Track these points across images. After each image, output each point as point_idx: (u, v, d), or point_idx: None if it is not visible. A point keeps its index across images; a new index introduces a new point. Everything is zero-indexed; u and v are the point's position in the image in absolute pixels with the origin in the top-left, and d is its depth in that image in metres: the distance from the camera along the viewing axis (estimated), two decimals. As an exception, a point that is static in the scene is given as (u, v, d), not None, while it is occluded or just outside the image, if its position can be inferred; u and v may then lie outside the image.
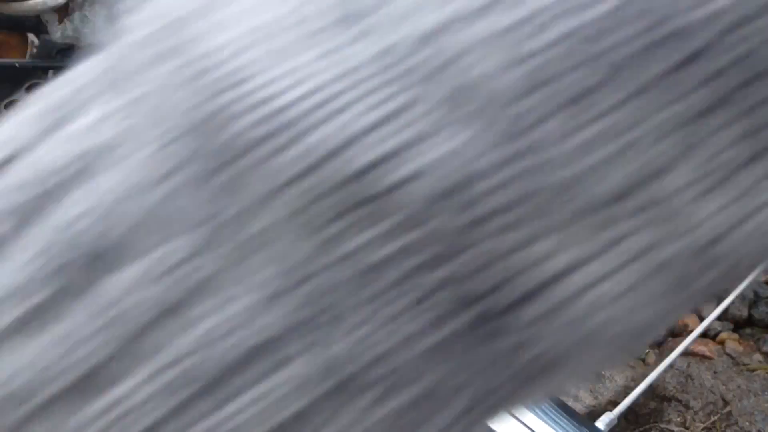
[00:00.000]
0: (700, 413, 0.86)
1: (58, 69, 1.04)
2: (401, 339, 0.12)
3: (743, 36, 0.12)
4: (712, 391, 0.88)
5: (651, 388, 0.88)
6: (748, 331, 0.96)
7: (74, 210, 0.13)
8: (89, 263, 0.13)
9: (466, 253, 0.12)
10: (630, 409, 0.85)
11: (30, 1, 0.83)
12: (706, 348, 0.92)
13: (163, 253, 0.13)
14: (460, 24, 0.12)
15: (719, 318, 0.97)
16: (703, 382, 0.89)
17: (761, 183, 0.13)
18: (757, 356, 0.92)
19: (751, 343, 0.94)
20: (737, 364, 0.91)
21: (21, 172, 0.14)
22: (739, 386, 0.88)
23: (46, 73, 1.05)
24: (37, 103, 0.15)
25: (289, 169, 0.12)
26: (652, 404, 0.87)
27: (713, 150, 0.12)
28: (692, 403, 0.87)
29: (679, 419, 0.86)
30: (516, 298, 0.12)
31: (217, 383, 0.13)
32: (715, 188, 0.13)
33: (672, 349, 0.93)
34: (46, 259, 0.13)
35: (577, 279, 0.12)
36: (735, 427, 0.85)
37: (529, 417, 0.41)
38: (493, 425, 0.40)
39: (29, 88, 1.03)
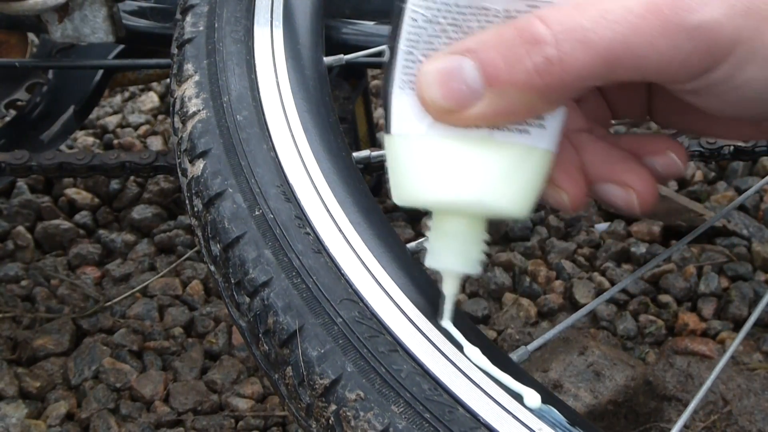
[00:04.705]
0: (700, 412, 0.86)
1: (58, 69, 1.04)
2: None
3: None
4: (712, 391, 0.88)
5: (651, 386, 0.88)
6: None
7: None
8: None
9: None
10: (630, 409, 0.85)
11: (30, 1, 0.83)
12: (706, 347, 0.92)
13: None
14: None
15: (719, 317, 0.97)
16: (703, 381, 0.89)
17: None
18: (757, 356, 0.92)
19: (751, 342, 0.94)
20: (737, 363, 0.91)
21: None
22: (739, 386, 0.88)
23: (46, 73, 1.05)
24: None
25: None
26: (652, 404, 0.87)
27: None
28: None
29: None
30: None
31: None
32: None
33: (672, 348, 0.93)
34: None
35: None
36: (735, 427, 0.85)
37: (528, 417, 0.41)
38: (493, 424, 0.40)
39: (29, 88, 1.03)
